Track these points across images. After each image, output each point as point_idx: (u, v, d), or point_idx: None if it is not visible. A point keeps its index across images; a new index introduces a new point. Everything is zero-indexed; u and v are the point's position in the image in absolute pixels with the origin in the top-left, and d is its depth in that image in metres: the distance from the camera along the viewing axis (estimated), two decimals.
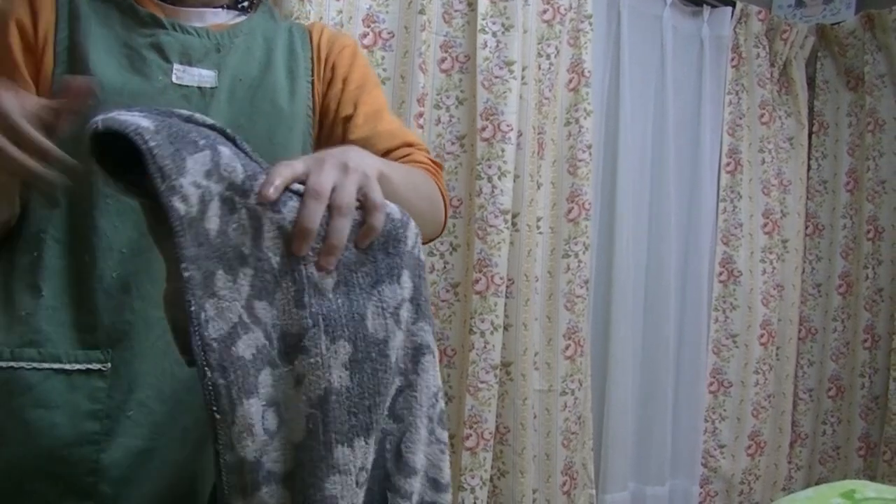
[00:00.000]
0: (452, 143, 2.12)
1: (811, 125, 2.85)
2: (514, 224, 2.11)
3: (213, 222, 0.70)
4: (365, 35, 1.99)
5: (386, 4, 2.01)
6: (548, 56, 2.21)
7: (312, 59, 1.12)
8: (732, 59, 2.66)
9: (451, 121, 2.12)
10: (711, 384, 2.67)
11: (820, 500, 1.98)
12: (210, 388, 0.69)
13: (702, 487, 2.68)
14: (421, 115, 2.03)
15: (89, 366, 0.92)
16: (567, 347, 2.29)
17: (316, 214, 0.72)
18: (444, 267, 2.12)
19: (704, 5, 2.64)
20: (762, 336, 2.68)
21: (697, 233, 2.62)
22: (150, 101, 0.96)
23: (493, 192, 2.06)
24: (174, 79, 1.00)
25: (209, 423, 0.69)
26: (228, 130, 0.77)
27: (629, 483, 2.54)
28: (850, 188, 2.82)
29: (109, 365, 0.93)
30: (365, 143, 1.06)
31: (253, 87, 1.05)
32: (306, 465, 0.72)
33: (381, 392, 0.76)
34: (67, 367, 0.92)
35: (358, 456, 0.74)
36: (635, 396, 2.53)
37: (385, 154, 1.08)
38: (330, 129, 1.11)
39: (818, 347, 2.85)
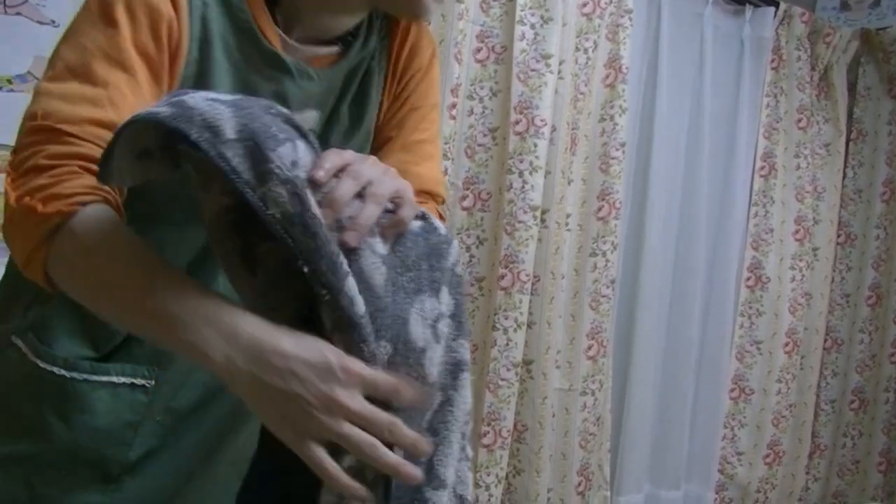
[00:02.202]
0: (484, 136, 2.09)
1: (849, 132, 2.79)
2: (542, 220, 2.08)
3: (318, 210, 0.70)
4: None
5: None
6: (585, 50, 2.17)
7: (387, 75, 1.05)
8: (772, 61, 2.61)
9: (483, 112, 2.08)
10: (733, 390, 2.63)
11: None
12: None
13: (717, 494, 2.65)
14: (454, 105, 1.99)
15: (134, 380, 0.94)
16: (590, 347, 2.26)
17: (348, 191, 0.72)
18: (470, 261, 2.09)
19: (747, 4, 2.59)
20: (787, 344, 2.64)
21: (727, 236, 2.58)
22: None
23: (523, 187, 2.02)
24: None
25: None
26: (303, 126, 0.76)
27: (644, 486, 2.52)
28: (885, 198, 2.77)
29: (153, 382, 0.95)
30: None
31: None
32: None
33: None
34: (115, 380, 0.93)
35: None
36: (655, 399, 2.49)
37: None
38: (371, 143, 1.08)
39: (843, 359, 2.80)
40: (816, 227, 2.71)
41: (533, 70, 2.04)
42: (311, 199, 0.69)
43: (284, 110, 0.76)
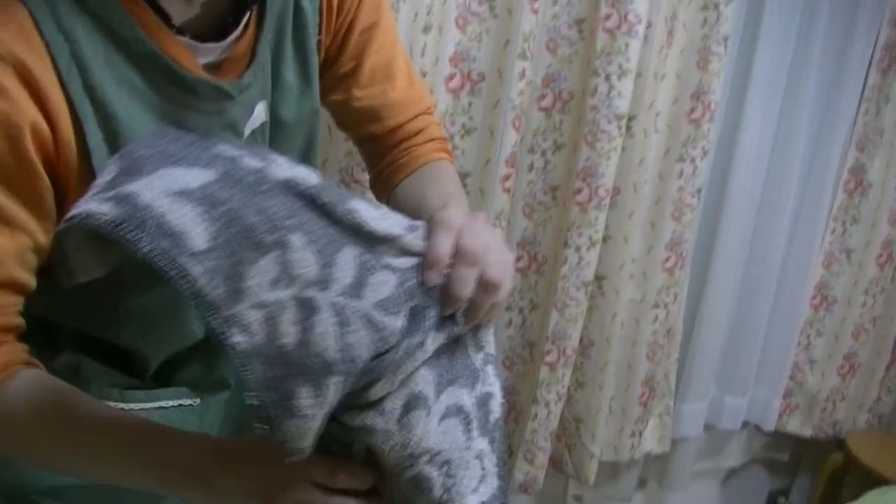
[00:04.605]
0: (569, 27, 1.86)
1: None
2: (628, 128, 1.89)
3: (289, 336, 0.58)
4: None
5: None
6: None
7: (321, 9, 0.91)
8: None
9: (570, 1, 1.85)
10: (815, 298, 2.48)
11: None
12: None
13: (783, 399, 2.57)
14: None
15: (181, 402, 0.94)
16: (667, 259, 2.12)
17: (469, 286, 0.71)
18: (545, 167, 1.93)
19: None
20: (880, 256, 2.45)
21: (830, 135, 2.33)
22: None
23: (609, 92, 1.82)
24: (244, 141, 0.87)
25: None
26: (320, 196, 0.64)
27: (710, 391, 2.45)
28: None
29: (199, 400, 0.96)
30: (372, 117, 0.98)
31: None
32: None
33: None
34: (164, 404, 0.93)
35: None
36: (731, 307, 2.37)
37: (396, 129, 1.00)
38: (330, 87, 0.97)
39: None
40: None
41: None
42: (295, 325, 0.58)
43: (287, 174, 0.63)
